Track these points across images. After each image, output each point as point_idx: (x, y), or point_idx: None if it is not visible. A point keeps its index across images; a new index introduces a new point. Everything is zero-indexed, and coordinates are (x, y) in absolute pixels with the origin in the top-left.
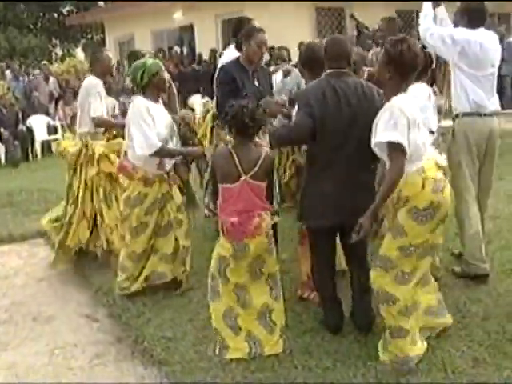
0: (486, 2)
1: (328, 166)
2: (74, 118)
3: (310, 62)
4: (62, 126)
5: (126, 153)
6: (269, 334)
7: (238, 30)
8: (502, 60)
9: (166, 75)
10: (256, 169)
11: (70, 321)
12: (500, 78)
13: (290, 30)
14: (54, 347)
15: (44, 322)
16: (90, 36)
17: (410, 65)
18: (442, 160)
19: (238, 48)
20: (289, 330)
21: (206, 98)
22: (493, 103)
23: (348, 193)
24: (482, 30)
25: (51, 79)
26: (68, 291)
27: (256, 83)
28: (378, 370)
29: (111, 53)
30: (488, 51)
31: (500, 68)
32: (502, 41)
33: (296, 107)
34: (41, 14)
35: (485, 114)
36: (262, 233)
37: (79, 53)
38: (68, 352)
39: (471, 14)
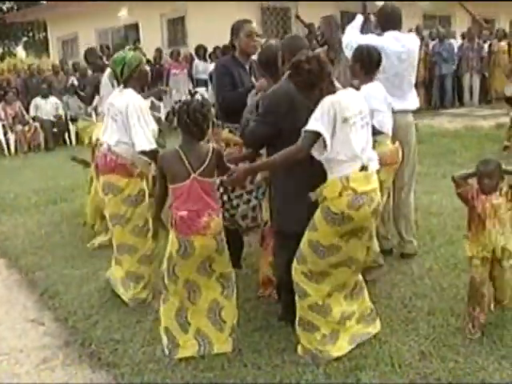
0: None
1: (293, 171)
2: (15, 117)
3: (269, 63)
4: (4, 126)
5: (109, 149)
6: (218, 332)
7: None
8: (443, 60)
9: None
10: (205, 165)
11: (15, 326)
12: (441, 77)
13: None
14: None
15: None
16: (31, 34)
17: (319, 77)
18: (374, 173)
19: (232, 46)
20: (238, 328)
21: (151, 98)
22: (400, 102)
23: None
24: (390, 34)
25: None
26: (13, 295)
27: (253, 79)
28: (327, 366)
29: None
30: (390, 55)
31: (440, 67)
32: (442, 41)
33: (259, 111)
34: None
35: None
36: (209, 233)
37: (20, 51)
38: (13, 358)
39: (380, 18)
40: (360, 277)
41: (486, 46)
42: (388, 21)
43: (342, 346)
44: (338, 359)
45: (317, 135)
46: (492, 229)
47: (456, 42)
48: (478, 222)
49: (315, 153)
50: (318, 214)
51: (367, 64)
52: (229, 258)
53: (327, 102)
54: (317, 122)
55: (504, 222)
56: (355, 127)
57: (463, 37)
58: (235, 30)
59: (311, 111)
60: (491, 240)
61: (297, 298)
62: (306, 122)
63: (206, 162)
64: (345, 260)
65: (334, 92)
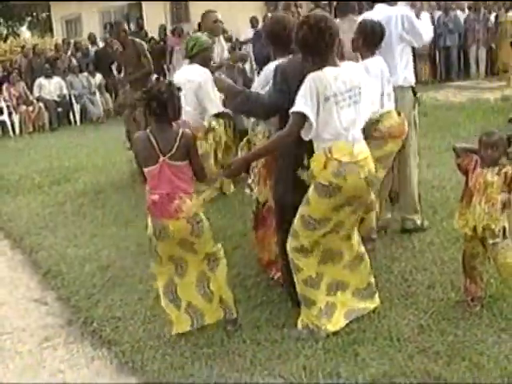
0: None
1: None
2: (19, 98)
3: (279, 37)
4: (8, 107)
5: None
6: (208, 303)
7: None
8: (448, 31)
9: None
10: (174, 149)
11: (18, 306)
12: (446, 49)
13: (238, 9)
14: (1, 332)
15: None
16: (35, 14)
17: (317, 44)
18: (361, 149)
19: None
20: (238, 304)
21: (155, 75)
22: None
23: None
24: (377, 7)
25: None
26: (16, 276)
27: None
28: (326, 341)
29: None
30: None
31: (445, 39)
32: (447, 13)
33: (271, 80)
34: None
35: None
36: (181, 216)
37: (24, 31)
38: (16, 337)
39: None
40: (362, 249)
41: (492, 16)
42: None
43: (338, 321)
44: (336, 333)
45: (304, 117)
46: (477, 205)
47: (462, 14)
48: (468, 195)
49: (303, 133)
50: (310, 190)
51: (370, 38)
52: (211, 237)
53: (309, 79)
54: (300, 101)
55: (493, 202)
56: (338, 106)
57: (470, 8)
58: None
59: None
60: (474, 217)
61: (293, 273)
62: None
63: (175, 146)
64: (333, 225)
65: (322, 67)
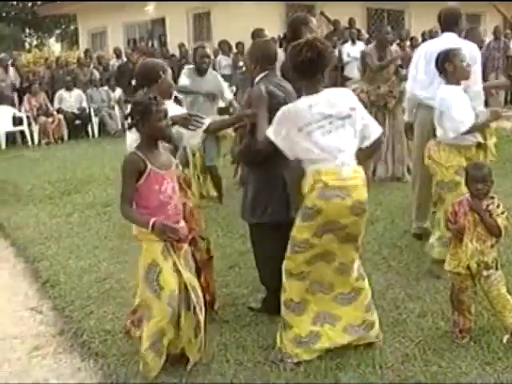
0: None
1: (275, 162)
2: (40, 109)
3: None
4: (28, 118)
5: None
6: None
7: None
8: None
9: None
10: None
11: (14, 313)
12: None
13: (259, 26)
14: None
15: None
16: (63, 27)
17: (309, 67)
18: (351, 174)
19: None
20: (226, 324)
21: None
22: None
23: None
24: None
25: (11, 70)
26: (16, 284)
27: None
28: (307, 365)
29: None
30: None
31: None
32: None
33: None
34: (14, 3)
35: None
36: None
37: (52, 43)
38: (8, 343)
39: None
40: (361, 284)
41: (511, 44)
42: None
43: (317, 351)
44: (319, 357)
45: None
46: (469, 243)
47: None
48: (456, 235)
49: (286, 153)
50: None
51: None
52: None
53: (281, 111)
54: (271, 127)
55: (484, 239)
56: (316, 133)
57: (495, 33)
58: (297, 24)
59: None
60: (467, 255)
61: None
62: None
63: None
64: (321, 253)
65: (313, 92)
